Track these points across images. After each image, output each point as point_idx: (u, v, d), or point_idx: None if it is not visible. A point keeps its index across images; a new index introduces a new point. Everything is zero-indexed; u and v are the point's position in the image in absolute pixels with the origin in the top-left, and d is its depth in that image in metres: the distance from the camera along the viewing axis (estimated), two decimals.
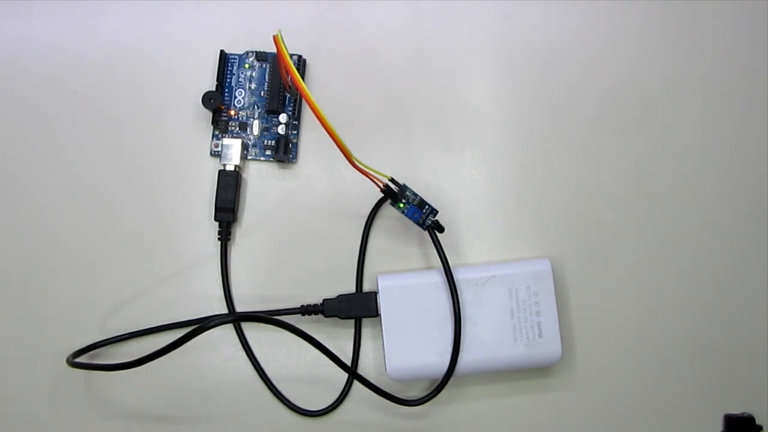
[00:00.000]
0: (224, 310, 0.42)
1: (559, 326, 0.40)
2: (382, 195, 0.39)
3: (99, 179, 0.43)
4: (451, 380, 0.39)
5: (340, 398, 0.41)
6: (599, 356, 0.42)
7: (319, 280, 0.42)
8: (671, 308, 0.42)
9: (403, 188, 0.39)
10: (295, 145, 0.43)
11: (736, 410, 0.41)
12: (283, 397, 0.41)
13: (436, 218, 0.40)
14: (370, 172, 0.38)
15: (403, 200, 0.39)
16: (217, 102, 0.42)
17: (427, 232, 0.40)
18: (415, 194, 0.39)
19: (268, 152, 0.43)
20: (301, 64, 0.44)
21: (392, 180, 0.39)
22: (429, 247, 0.41)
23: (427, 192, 0.41)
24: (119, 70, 0.44)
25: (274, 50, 0.38)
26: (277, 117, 0.43)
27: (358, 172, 0.37)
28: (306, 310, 0.41)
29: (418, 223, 0.40)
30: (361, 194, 0.43)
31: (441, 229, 0.40)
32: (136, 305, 0.42)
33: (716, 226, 0.43)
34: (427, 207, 0.39)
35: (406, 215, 0.39)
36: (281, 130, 0.43)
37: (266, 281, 0.43)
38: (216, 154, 0.43)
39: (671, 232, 0.43)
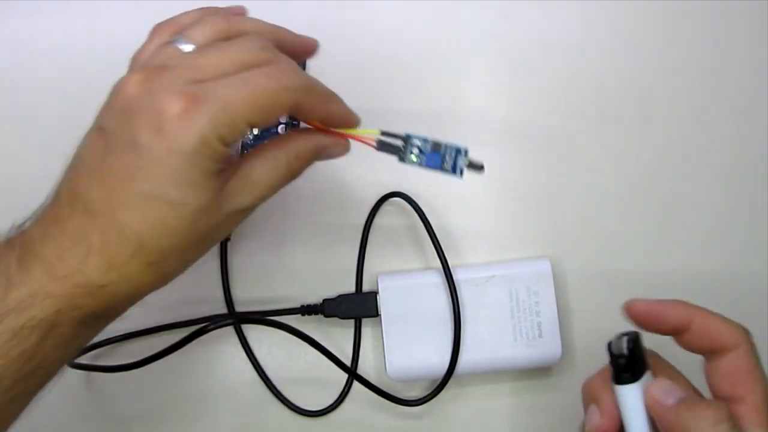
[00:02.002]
0: (224, 310, 0.42)
1: (559, 326, 0.40)
2: (379, 149, 0.33)
3: None
4: (451, 380, 0.39)
5: (340, 398, 0.41)
6: (599, 356, 0.42)
7: (319, 280, 0.42)
8: None
9: (406, 137, 0.33)
10: None
11: None
12: (283, 397, 0.41)
13: (467, 156, 0.33)
14: (356, 134, 0.33)
15: (413, 150, 0.33)
16: None
17: (461, 177, 0.33)
18: (425, 138, 0.33)
19: None
20: (301, 64, 0.44)
21: (385, 133, 0.33)
22: (429, 247, 0.41)
23: (428, 192, 0.41)
24: (120, 70, 0.44)
25: None
26: None
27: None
28: (306, 310, 0.41)
29: (445, 170, 0.33)
30: (361, 194, 0.43)
31: (480, 167, 0.33)
32: (136, 305, 0.42)
33: (717, 226, 0.43)
34: (448, 148, 0.33)
35: (425, 166, 0.33)
36: (281, 129, 0.43)
37: (266, 281, 0.43)
38: None
39: (671, 231, 0.43)
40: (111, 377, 0.41)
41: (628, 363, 0.29)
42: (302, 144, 0.32)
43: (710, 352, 0.29)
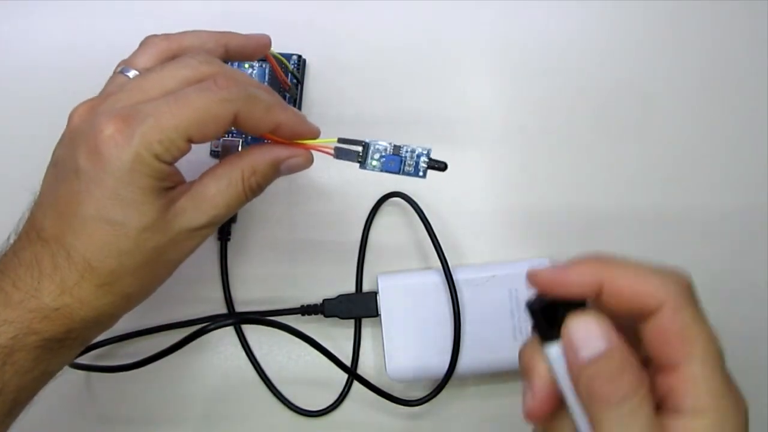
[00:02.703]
0: (224, 310, 0.42)
1: None
2: (337, 158, 0.33)
3: None
4: (451, 380, 0.39)
5: (340, 398, 0.41)
6: None
7: (319, 280, 0.42)
8: None
9: (365, 143, 0.33)
10: None
11: None
12: (283, 397, 0.41)
13: (429, 156, 0.33)
14: (314, 143, 0.33)
15: (374, 155, 0.33)
16: None
17: (424, 177, 0.33)
18: (384, 143, 0.33)
19: None
20: (301, 64, 0.44)
21: (343, 140, 0.33)
22: (429, 247, 0.41)
23: (428, 192, 0.41)
24: None
25: (275, 50, 0.38)
26: None
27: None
28: (306, 310, 0.41)
29: (406, 173, 0.33)
30: (361, 194, 0.43)
31: (442, 167, 0.33)
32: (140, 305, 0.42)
33: (716, 227, 0.43)
34: (409, 150, 0.33)
35: (386, 170, 0.33)
36: None
37: (266, 281, 0.43)
38: (216, 154, 0.43)
39: (671, 232, 0.43)
40: (111, 377, 0.41)
41: (549, 314, 0.23)
42: (257, 158, 0.31)
43: (638, 316, 0.23)
